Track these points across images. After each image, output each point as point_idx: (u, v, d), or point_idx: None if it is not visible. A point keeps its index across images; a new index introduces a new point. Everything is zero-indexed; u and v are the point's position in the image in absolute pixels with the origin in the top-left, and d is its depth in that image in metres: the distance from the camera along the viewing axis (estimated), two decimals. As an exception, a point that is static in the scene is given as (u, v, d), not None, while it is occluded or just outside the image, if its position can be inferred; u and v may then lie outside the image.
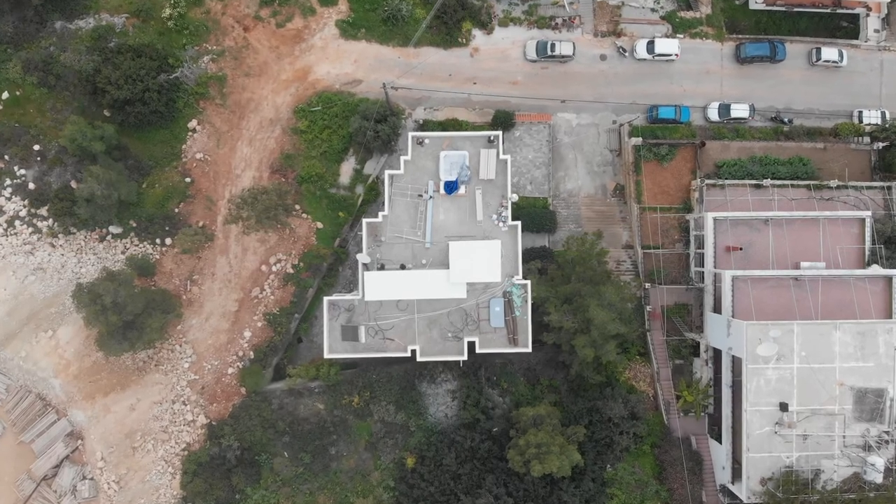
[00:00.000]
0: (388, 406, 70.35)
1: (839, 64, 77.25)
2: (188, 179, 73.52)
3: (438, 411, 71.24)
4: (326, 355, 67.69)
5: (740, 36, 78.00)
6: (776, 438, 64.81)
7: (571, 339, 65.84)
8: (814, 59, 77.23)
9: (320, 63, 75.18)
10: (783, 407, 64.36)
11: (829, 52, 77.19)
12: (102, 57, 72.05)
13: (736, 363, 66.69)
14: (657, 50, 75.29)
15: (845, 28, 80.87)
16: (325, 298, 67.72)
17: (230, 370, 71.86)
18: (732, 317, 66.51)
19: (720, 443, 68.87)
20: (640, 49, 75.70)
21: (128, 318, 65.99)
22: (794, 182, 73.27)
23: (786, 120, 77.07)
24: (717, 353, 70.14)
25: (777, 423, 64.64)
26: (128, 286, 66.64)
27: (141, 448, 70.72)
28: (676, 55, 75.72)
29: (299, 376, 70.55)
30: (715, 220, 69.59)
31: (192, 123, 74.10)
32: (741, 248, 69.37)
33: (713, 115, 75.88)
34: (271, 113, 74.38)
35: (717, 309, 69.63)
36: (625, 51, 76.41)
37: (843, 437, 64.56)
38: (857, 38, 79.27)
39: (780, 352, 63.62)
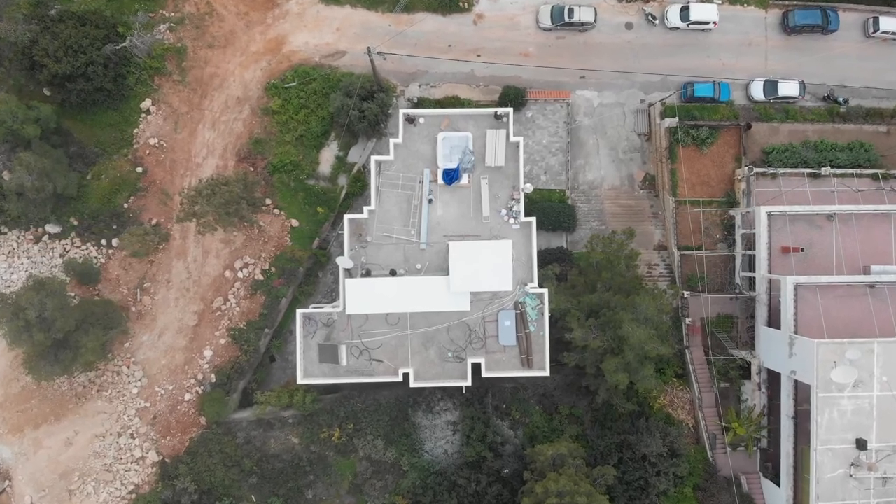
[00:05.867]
0: (375, 441, 54.86)
1: (899, 36, 62.01)
2: (140, 169, 58.04)
3: (436, 447, 55.65)
4: (300, 380, 52.21)
5: (786, 2, 62.42)
6: (851, 483, 49.45)
7: (599, 362, 50.48)
8: (870, 30, 61.92)
9: (297, 32, 59.68)
10: (860, 444, 49.02)
11: (887, 23, 61.75)
12: (41, 26, 56.97)
13: (800, 390, 51.24)
14: (692, 17, 59.82)
15: (904, -5, 65.66)
16: (299, 311, 52.27)
17: (187, 396, 56.32)
18: (795, 333, 51.05)
19: (777, 485, 53.42)
20: (673, 16, 60.27)
21: (57, 335, 50.82)
22: (859, 171, 57.89)
23: (841, 99, 61.62)
24: (771, 376, 54.68)
25: (853, 465, 49.30)
26: (58, 297, 51.42)
27: (79, 491, 55.15)
28: (714, 23, 60.20)
29: (269, 404, 55.18)
30: (769, 215, 54.13)
31: (146, 104, 58.67)
32: (802, 250, 53.90)
33: (757, 93, 60.39)
34: (239, 91, 58.92)
35: (772, 322, 54.15)
36: (654, 18, 60.93)
37: (932, 480, 49.40)
38: (917, 6, 64.07)
39: (858, 377, 48.30)
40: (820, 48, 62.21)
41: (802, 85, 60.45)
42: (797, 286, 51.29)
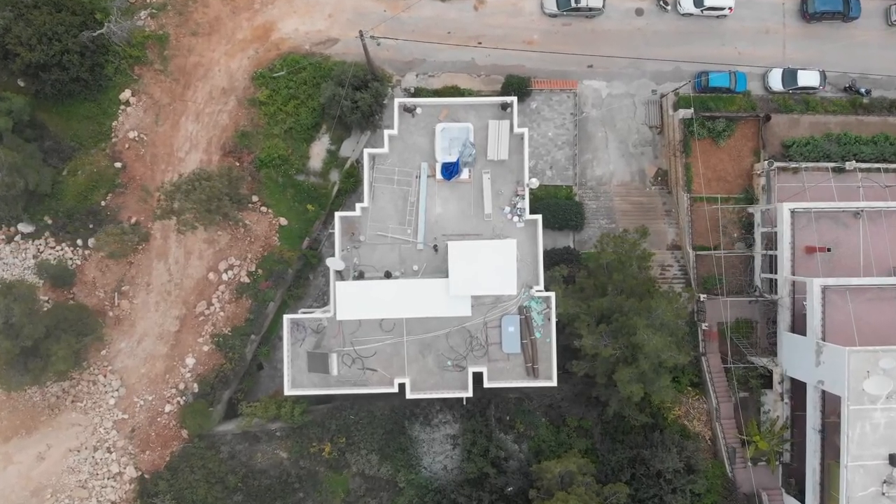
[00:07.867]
0: (369, 455, 50.43)
1: (921, 24, 57.66)
2: (118, 164, 53.61)
3: (435, 462, 51.23)
4: (287, 391, 47.75)
5: (806, -13, 58.22)
6: (883, 502, 45.00)
7: (611, 371, 46.03)
8: (892, 17, 57.73)
9: (286, 18, 55.30)
10: (894, 460, 44.59)
11: (910, 10, 57.63)
12: (15, 13, 52.51)
13: (828, 401, 46.79)
14: (706, 2, 55.50)
15: (926, -18, 61.24)
16: (286, 317, 47.80)
17: (168, 407, 51.84)
18: (823, 339, 46.58)
19: (801, 502, 48.95)
20: (686, 1, 55.93)
21: (26, 343, 46.45)
22: (885, 165, 53.52)
23: (863, 90, 57.22)
24: (795, 385, 50.22)
25: (885, 482, 44.86)
26: (26, 302, 47.03)
27: (52, 509, 50.93)
28: (730, 9, 55.92)
29: (255, 415, 50.74)
30: (793, 212, 49.67)
31: (125, 95, 54.25)
32: (829, 249, 49.46)
33: (775, 83, 55.97)
34: (224, 81, 54.49)
35: (795, 328, 49.69)
36: (666, 4, 56.53)
37: (970, 498, 44.98)
38: (940, -7, 59.64)
39: (893, 388, 43.85)
40: (841, 36, 57.84)
41: (823, 75, 56.11)
42: (825, 289, 46.81)
